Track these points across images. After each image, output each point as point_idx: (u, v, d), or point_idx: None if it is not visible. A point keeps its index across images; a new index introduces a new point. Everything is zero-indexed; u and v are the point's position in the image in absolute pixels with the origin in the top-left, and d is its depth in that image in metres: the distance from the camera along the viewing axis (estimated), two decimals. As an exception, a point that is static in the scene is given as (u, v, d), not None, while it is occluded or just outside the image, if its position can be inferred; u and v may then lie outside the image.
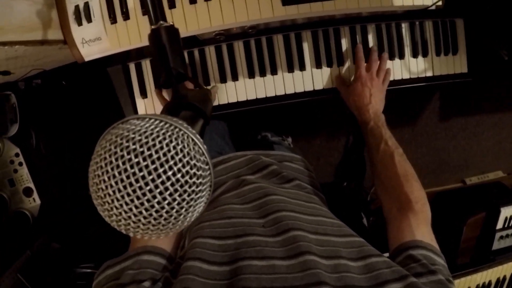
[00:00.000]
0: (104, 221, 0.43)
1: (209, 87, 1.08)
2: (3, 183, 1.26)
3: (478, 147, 2.10)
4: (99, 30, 0.96)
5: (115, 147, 0.39)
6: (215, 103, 1.08)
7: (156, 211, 0.39)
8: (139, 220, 0.39)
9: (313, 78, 1.09)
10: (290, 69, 1.08)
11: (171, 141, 0.39)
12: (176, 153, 0.39)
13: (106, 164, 0.38)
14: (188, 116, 0.51)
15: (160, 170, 0.38)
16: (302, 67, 1.08)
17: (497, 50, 1.26)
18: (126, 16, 0.94)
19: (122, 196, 0.38)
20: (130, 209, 0.38)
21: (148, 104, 1.07)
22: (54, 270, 1.31)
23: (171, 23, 0.60)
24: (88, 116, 1.46)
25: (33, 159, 1.29)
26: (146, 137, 0.39)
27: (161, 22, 0.59)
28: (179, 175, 0.39)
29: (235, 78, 1.08)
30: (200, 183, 0.41)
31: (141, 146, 0.38)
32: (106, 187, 0.38)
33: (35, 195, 1.29)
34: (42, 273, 1.28)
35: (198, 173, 0.41)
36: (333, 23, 1.09)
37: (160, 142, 0.39)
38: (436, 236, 0.73)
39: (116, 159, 0.38)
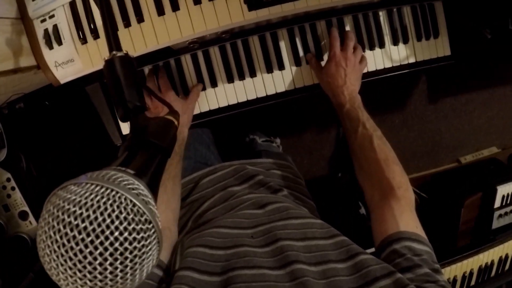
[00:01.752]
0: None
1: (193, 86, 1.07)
2: (-3, 209, 1.27)
3: (470, 126, 2.09)
4: (71, 52, 0.94)
5: (52, 220, 0.39)
6: (196, 111, 1.07)
7: (100, 281, 0.39)
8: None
9: (294, 77, 1.08)
10: (269, 70, 1.07)
11: (105, 209, 0.39)
12: (112, 221, 0.38)
13: (46, 238, 0.39)
14: (144, 159, 0.50)
15: (97, 242, 0.38)
16: (281, 67, 1.07)
17: (479, 29, 1.24)
18: (96, 35, 0.92)
19: (65, 269, 0.38)
20: (75, 281, 0.39)
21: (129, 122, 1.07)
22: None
23: (125, 52, 0.58)
24: (74, 133, 1.46)
25: (25, 182, 1.29)
26: (80, 208, 0.38)
27: (115, 52, 0.57)
28: (117, 244, 0.38)
29: (214, 84, 1.07)
30: (143, 245, 0.41)
31: (75, 219, 0.38)
32: (50, 260, 0.39)
33: (31, 217, 1.29)
34: (45, 295, 1.29)
35: (139, 236, 0.40)
36: (309, 18, 1.07)
37: (94, 212, 0.38)
38: (434, 220, 0.72)
39: (54, 233, 0.38)
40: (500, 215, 1.46)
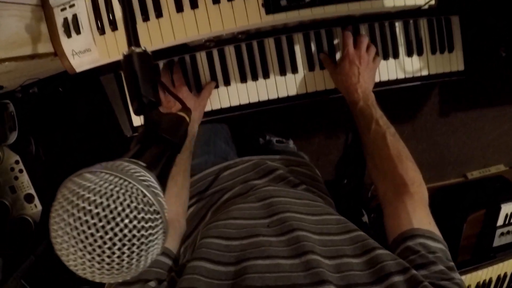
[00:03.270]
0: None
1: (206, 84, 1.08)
2: (4, 190, 1.28)
3: (479, 142, 2.07)
4: (88, 42, 0.96)
5: (68, 204, 0.41)
6: (208, 108, 1.09)
7: (108, 263, 0.41)
8: (94, 269, 0.42)
9: (306, 81, 1.09)
10: (283, 73, 1.08)
11: (118, 197, 0.41)
12: (123, 210, 0.41)
13: (60, 220, 0.41)
14: (155, 153, 0.52)
15: (108, 227, 0.40)
16: (294, 70, 1.08)
17: (494, 47, 1.24)
18: (114, 27, 0.94)
19: (75, 251, 0.40)
20: (84, 262, 0.41)
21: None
22: (58, 274, 1.33)
23: (144, 49, 0.59)
24: (85, 121, 1.48)
25: (33, 165, 1.31)
26: (94, 195, 0.41)
27: (133, 48, 0.59)
28: (126, 231, 0.41)
29: (227, 83, 1.08)
30: (150, 234, 0.43)
31: (89, 204, 0.40)
32: (62, 241, 0.41)
33: (36, 201, 1.31)
34: (46, 278, 1.30)
35: (147, 225, 0.43)
36: (325, 24, 1.08)
37: (107, 199, 0.41)
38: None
39: (68, 217, 0.41)
40: (502, 233, 1.46)
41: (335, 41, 1.08)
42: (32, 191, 1.30)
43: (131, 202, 0.42)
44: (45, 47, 0.96)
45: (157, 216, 0.44)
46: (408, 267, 0.59)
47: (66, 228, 0.40)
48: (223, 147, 1.17)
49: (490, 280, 1.36)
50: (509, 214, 1.45)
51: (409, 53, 1.11)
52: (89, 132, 1.57)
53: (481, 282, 1.34)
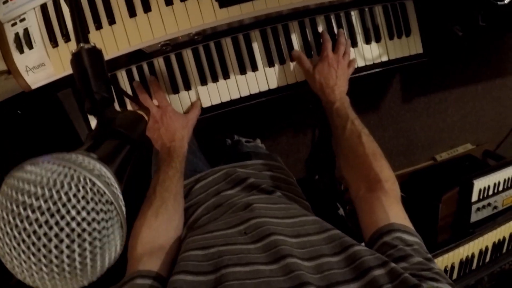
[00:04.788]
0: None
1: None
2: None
3: (444, 124, 2.13)
4: (42, 56, 0.93)
5: (5, 200, 0.37)
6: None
7: (57, 266, 0.36)
8: (43, 274, 0.37)
9: (267, 78, 1.08)
10: (243, 71, 1.07)
11: (62, 187, 0.37)
12: (69, 200, 0.36)
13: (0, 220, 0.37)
14: (110, 147, 0.48)
15: (52, 222, 0.35)
16: (254, 68, 1.07)
17: (450, 26, 1.26)
18: (67, 38, 0.91)
19: (19, 254, 0.36)
20: (30, 267, 0.37)
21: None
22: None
23: (93, 44, 0.58)
24: (48, 142, 1.43)
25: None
26: (35, 186, 0.36)
27: (82, 44, 0.57)
28: (73, 224, 0.36)
29: (187, 87, 1.06)
30: (103, 227, 0.39)
31: (29, 197, 0.36)
32: (2, 244, 0.37)
33: None
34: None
35: (98, 217, 0.38)
36: (281, 19, 1.07)
37: (49, 189, 0.36)
38: (413, 217, 0.73)
39: (7, 214, 0.36)
40: (478, 209, 1.48)
41: (292, 36, 1.09)
42: (0, 220, 1.26)
43: (78, 191, 0.37)
44: (-3, 65, 0.93)
45: (110, 207, 0.39)
46: (387, 260, 0.59)
47: (5, 228, 0.36)
48: (190, 159, 1.14)
49: (473, 255, 1.37)
50: (482, 189, 1.47)
51: (367, 41, 1.12)
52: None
53: (464, 259, 1.36)
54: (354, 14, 1.11)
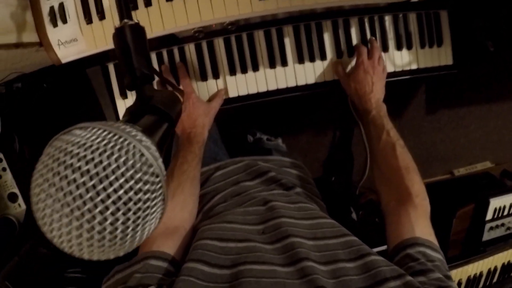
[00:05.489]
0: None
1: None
2: (-14, 189, 1.25)
3: (465, 139, 2.10)
4: (75, 31, 0.93)
5: (53, 162, 0.36)
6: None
7: (99, 232, 0.36)
8: (83, 240, 0.37)
9: (296, 74, 1.08)
10: (272, 65, 1.07)
11: (112, 154, 0.36)
12: (118, 167, 0.36)
13: (43, 181, 0.36)
14: (150, 122, 0.48)
15: (99, 187, 0.35)
16: (284, 63, 1.07)
17: (482, 41, 1.25)
18: (101, 16, 0.92)
19: (60, 217, 0.35)
20: (70, 231, 0.36)
21: (129, 105, 1.06)
22: (43, 275, 1.30)
23: (137, 21, 0.58)
24: (71, 118, 1.44)
25: (17, 164, 1.27)
26: (85, 150, 0.36)
27: (126, 20, 0.57)
28: (121, 192, 0.36)
29: (216, 75, 1.06)
30: (148, 198, 0.38)
31: (78, 160, 0.35)
32: (44, 206, 0.36)
33: (20, 200, 1.27)
34: (30, 279, 1.26)
35: (145, 188, 0.38)
36: (315, 17, 1.07)
37: (100, 154, 0.36)
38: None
39: (53, 175, 0.36)
40: (491, 228, 1.46)
41: (325, 35, 1.08)
42: (16, 190, 1.27)
43: (127, 159, 0.37)
44: (30, 36, 0.94)
45: (156, 180, 0.39)
46: (403, 273, 0.59)
47: (50, 190, 0.35)
48: (212, 147, 1.15)
49: (481, 274, 1.36)
50: (497, 208, 1.45)
51: (399, 47, 1.11)
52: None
53: (471, 276, 1.34)
54: (387, 19, 1.11)
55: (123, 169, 0.36)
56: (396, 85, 1.13)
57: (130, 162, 0.37)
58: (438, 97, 1.99)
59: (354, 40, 1.10)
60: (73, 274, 1.32)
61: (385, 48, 1.10)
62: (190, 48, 1.05)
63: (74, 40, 0.94)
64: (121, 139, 0.38)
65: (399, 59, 1.12)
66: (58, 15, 0.93)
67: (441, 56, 1.15)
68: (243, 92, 1.07)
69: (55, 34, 0.94)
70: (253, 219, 0.76)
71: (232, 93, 1.08)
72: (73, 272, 1.32)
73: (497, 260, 1.38)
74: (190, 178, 0.87)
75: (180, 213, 0.81)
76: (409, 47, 1.12)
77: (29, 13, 0.94)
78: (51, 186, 0.35)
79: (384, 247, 0.77)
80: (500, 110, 2.10)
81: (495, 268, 1.38)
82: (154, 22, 0.92)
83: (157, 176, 0.40)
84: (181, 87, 1.01)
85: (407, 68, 1.13)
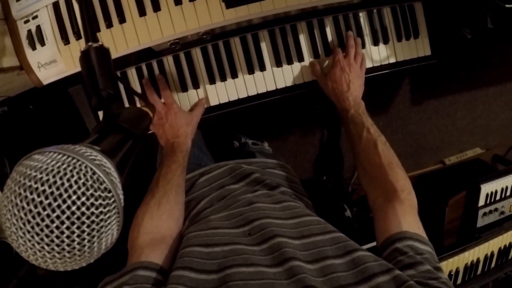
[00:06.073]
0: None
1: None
2: (-19, 214, 1.25)
3: (453, 127, 2.11)
4: (54, 53, 0.95)
5: (14, 185, 0.41)
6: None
7: (58, 245, 0.40)
8: (45, 252, 0.41)
9: (275, 77, 1.09)
10: (251, 71, 1.08)
11: (65, 174, 0.41)
12: (70, 186, 0.40)
13: (8, 203, 0.41)
14: (114, 140, 0.52)
15: (54, 204, 0.40)
16: (262, 68, 1.08)
17: (459, 29, 1.26)
18: (78, 36, 0.93)
19: (24, 233, 0.40)
20: (33, 245, 0.40)
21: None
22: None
23: (101, 43, 0.59)
24: (59, 138, 1.45)
25: (9, 187, 1.28)
26: (41, 172, 0.40)
27: (90, 43, 0.59)
28: (74, 208, 0.40)
29: (196, 85, 1.07)
30: (101, 212, 0.42)
31: (35, 182, 0.40)
32: (10, 225, 0.41)
33: (15, 223, 1.28)
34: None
35: (97, 202, 0.42)
36: (290, 19, 1.08)
37: (54, 176, 0.40)
38: (421, 220, 0.74)
39: (15, 197, 0.40)
40: (485, 213, 1.47)
41: (300, 36, 1.09)
42: (10, 213, 1.28)
43: (79, 178, 0.41)
44: (10, 60, 0.96)
45: (109, 195, 0.43)
46: (391, 267, 0.59)
47: (13, 210, 0.40)
48: (196, 153, 1.16)
49: (478, 260, 1.37)
50: (489, 194, 1.46)
51: (375, 42, 1.12)
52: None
53: (469, 263, 1.35)
54: (362, 16, 1.12)
55: (75, 187, 0.41)
56: (379, 80, 1.14)
57: (82, 181, 0.41)
58: (422, 88, 1.99)
59: (330, 39, 1.11)
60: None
61: (362, 45, 1.11)
62: (169, 60, 1.06)
63: (54, 62, 0.96)
64: (73, 160, 0.42)
65: (377, 54, 1.13)
66: (36, 38, 0.94)
67: (418, 48, 1.16)
68: (224, 99, 1.09)
69: (34, 57, 0.95)
70: (238, 221, 0.77)
71: (213, 101, 1.09)
72: (72, 290, 1.33)
73: (493, 245, 1.39)
74: (175, 187, 0.88)
75: (166, 222, 0.82)
76: (385, 42, 1.13)
77: (7, 38, 0.95)
78: (14, 206, 0.40)
79: (379, 243, 0.78)
80: (485, 95, 2.11)
81: (492, 254, 1.39)
82: (129, 38, 0.93)
83: (109, 192, 0.43)
84: (162, 99, 1.02)
85: (386, 62, 1.14)
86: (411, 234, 0.68)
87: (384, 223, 0.74)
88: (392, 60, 1.14)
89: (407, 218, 0.73)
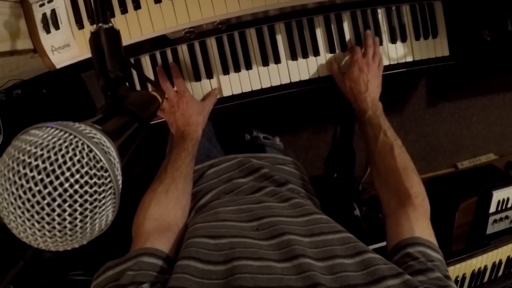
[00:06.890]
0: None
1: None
2: (-10, 196, 1.26)
3: (468, 131, 2.08)
4: (68, 37, 0.95)
5: (9, 159, 0.40)
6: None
7: (48, 223, 0.39)
8: (35, 230, 0.40)
9: (289, 71, 1.08)
10: (265, 63, 1.07)
11: (60, 150, 0.39)
12: (65, 162, 0.39)
13: (0, 177, 0.40)
14: (119, 122, 0.50)
15: (47, 180, 0.38)
16: (277, 60, 1.07)
17: (478, 31, 1.24)
18: (92, 20, 0.93)
19: (14, 208, 0.39)
20: (24, 222, 0.39)
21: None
22: (47, 279, 1.32)
23: (111, 25, 0.59)
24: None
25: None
26: (36, 147, 0.39)
27: (101, 24, 0.58)
28: (66, 185, 0.39)
29: (209, 75, 1.07)
30: (95, 191, 0.41)
31: (29, 157, 0.38)
32: (2, 200, 0.39)
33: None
34: (35, 283, 1.28)
35: (91, 181, 0.40)
36: (307, 13, 1.07)
37: (48, 151, 0.39)
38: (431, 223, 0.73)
39: (8, 172, 0.39)
40: (495, 220, 1.45)
41: (317, 30, 1.08)
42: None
43: (74, 155, 0.39)
44: (24, 43, 0.95)
45: (105, 174, 0.42)
46: (402, 272, 0.59)
47: (5, 184, 0.39)
48: (205, 145, 1.16)
49: (485, 267, 1.35)
50: (501, 201, 1.44)
51: (393, 40, 1.11)
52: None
53: (476, 270, 1.33)
54: (380, 12, 1.10)
55: (69, 163, 0.39)
56: (395, 79, 1.12)
57: (77, 157, 0.40)
58: (438, 90, 1.96)
59: (347, 35, 1.09)
60: (77, 277, 1.33)
61: (379, 42, 1.09)
62: (183, 49, 1.06)
63: (67, 46, 0.95)
64: (70, 136, 0.40)
65: (394, 52, 1.11)
66: (50, 22, 0.94)
67: (437, 48, 1.14)
68: (237, 90, 1.08)
69: (48, 41, 0.95)
70: (246, 216, 0.76)
71: (226, 92, 1.08)
72: (77, 275, 1.34)
73: (501, 253, 1.36)
74: (184, 175, 0.87)
75: (173, 210, 0.81)
76: (403, 40, 1.11)
77: (22, 21, 0.95)
78: (6, 180, 0.39)
79: (387, 243, 0.78)
80: (502, 101, 2.07)
81: (500, 262, 1.37)
82: (144, 24, 0.92)
83: (106, 171, 0.42)
84: (174, 87, 1.02)
85: (403, 61, 1.12)
86: (423, 240, 0.68)
87: (396, 228, 0.74)
88: (409, 58, 1.12)
89: (420, 224, 0.72)
